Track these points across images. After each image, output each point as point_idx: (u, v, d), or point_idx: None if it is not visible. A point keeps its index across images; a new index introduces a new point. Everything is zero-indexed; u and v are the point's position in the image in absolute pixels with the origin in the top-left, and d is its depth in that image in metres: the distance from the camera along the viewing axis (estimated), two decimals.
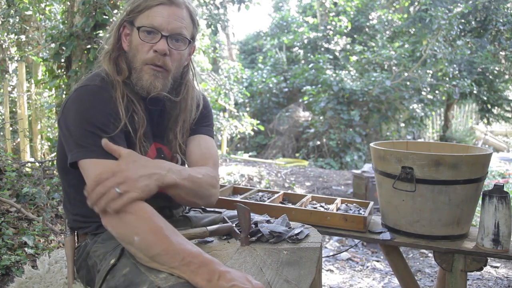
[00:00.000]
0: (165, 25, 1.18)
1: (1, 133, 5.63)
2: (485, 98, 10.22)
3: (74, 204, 1.25)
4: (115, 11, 4.01)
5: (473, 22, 9.85)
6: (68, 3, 4.16)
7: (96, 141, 1.08)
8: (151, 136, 1.26)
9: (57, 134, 4.44)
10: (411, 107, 9.32)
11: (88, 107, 1.11)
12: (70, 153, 1.09)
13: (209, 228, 1.23)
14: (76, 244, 1.30)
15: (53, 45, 4.17)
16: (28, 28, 5.75)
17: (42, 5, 4.98)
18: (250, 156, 9.20)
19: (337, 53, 10.85)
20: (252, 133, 7.98)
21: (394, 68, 9.25)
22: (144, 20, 1.18)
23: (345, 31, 10.96)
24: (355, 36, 11.06)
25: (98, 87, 1.15)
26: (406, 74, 9.03)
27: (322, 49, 11.24)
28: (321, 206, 1.91)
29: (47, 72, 4.32)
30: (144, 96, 1.23)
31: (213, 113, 1.44)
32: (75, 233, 1.31)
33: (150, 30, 1.18)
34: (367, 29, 11.20)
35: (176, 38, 1.21)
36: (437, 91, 9.58)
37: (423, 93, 9.27)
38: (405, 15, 10.68)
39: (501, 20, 9.40)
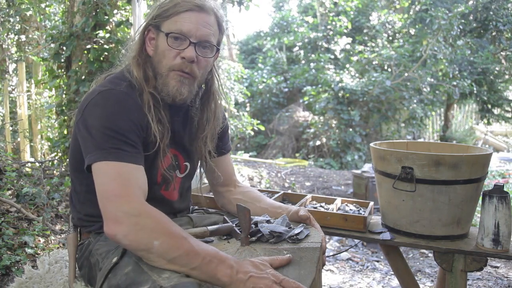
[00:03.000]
0: (194, 32, 1.17)
1: (1, 133, 5.63)
2: (485, 98, 10.22)
3: (83, 202, 1.24)
4: (115, 11, 4.01)
5: (473, 23, 9.85)
6: (68, 2, 4.16)
7: (114, 144, 1.06)
8: (169, 142, 1.26)
9: (57, 134, 4.45)
10: (411, 107, 9.33)
11: (111, 113, 1.09)
12: (88, 155, 1.08)
13: (210, 228, 1.23)
14: (79, 241, 1.30)
15: (53, 45, 4.17)
16: (28, 28, 5.76)
17: (43, 5, 4.99)
18: (250, 156, 9.19)
19: (337, 53, 10.86)
20: (252, 133, 7.97)
21: (394, 68, 9.26)
22: (172, 25, 1.17)
23: (345, 31, 10.96)
24: (355, 36, 11.07)
25: (123, 93, 1.13)
26: (406, 74, 9.03)
27: (322, 49, 11.25)
28: (321, 206, 1.91)
29: (47, 72, 4.32)
30: (169, 102, 1.22)
31: None
32: (78, 231, 1.31)
33: (178, 36, 1.16)
34: (367, 30, 11.20)
35: (204, 45, 1.20)
36: (437, 91, 9.59)
37: (423, 93, 9.28)
38: (405, 15, 10.69)
39: (501, 20, 9.41)
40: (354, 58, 10.02)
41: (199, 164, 1.44)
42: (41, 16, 5.32)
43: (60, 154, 4.20)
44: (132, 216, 0.98)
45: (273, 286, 0.91)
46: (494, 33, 9.85)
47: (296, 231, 1.23)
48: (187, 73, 1.19)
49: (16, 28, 5.68)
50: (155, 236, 0.96)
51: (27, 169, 3.93)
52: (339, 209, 1.91)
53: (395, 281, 2.95)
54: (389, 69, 9.54)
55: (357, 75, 9.68)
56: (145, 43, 1.23)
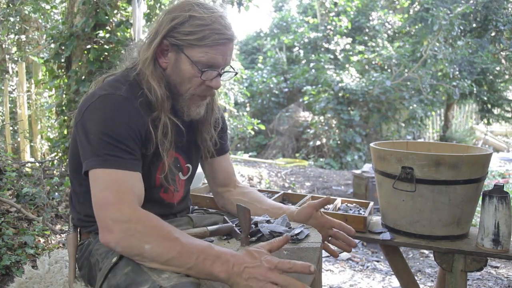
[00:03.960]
0: (223, 63, 1.19)
1: (1, 133, 5.63)
2: (485, 98, 10.22)
3: (83, 203, 1.24)
4: (115, 11, 4.01)
5: (473, 23, 9.85)
6: (66, 3, 4.16)
7: (111, 151, 1.06)
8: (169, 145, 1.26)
9: (57, 134, 4.45)
10: (411, 107, 9.32)
11: (109, 119, 1.08)
12: (85, 161, 1.08)
13: (210, 228, 1.23)
14: (78, 241, 1.30)
15: (53, 45, 4.17)
16: (28, 28, 5.76)
17: (48, 7, 4.99)
18: (250, 156, 9.20)
19: (337, 53, 10.86)
20: (253, 132, 7.97)
21: (394, 68, 9.26)
22: (201, 56, 1.16)
23: (345, 31, 10.97)
24: (355, 36, 11.07)
25: (123, 98, 1.12)
26: (406, 74, 9.03)
27: (322, 49, 11.25)
28: None
29: (47, 72, 4.32)
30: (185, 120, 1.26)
31: None
32: (78, 231, 1.31)
33: (210, 70, 1.18)
34: (367, 30, 11.20)
35: (227, 71, 1.25)
36: (437, 92, 9.59)
37: (423, 93, 9.29)
38: (406, 15, 10.69)
39: (501, 20, 9.40)
40: (354, 58, 10.01)
41: (199, 164, 1.44)
42: (43, 17, 5.32)
43: (60, 154, 4.20)
44: (122, 222, 0.98)
45: (267, 273, 0.91)
46: (494, 33, 9.85)
47: (296, 231, 1.23)
48: (209, 95, 1.25)
49: (16, 28, 5.68)
50: (146, 240, 0.96)
51: (27, 169, 3.93)
52: (339, 209, 1.91)
53: (395, 281, 2.95)
54: (389, 69, 9.54)
55: (357, 75, 9.68)
56: (157, 54, 1.21)
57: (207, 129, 1.36)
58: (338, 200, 1.97)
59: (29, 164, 4.10)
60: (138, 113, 1.14)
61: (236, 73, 1.31)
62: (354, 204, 1.97)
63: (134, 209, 1.02)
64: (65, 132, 4.16)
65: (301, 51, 11.80)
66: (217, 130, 1.42)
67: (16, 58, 6.06)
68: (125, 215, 0.99)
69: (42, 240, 2.71)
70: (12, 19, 5.30)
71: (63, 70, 4.18)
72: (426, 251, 3.66)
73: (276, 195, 1.96)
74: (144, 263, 0.98)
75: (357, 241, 1.81)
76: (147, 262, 0.97)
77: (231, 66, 1.27)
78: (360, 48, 10.10)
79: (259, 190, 2.09)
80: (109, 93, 1.12)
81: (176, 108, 1.24)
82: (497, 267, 3.17)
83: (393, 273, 2.23)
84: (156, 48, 1.19)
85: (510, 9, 9.62)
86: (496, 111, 10.76)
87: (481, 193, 1.60)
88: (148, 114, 1.16)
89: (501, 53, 10.05)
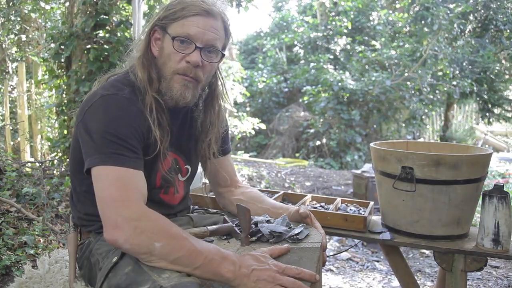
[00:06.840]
0: (200, 36, 1.16)
1: (1, 133, 5.63)
2: (485, 97, 10.21)
3: (83, 202, 1.24)
4: (115, 11, 4.01)
5: (473, 23, 9.85)
6: (68, 3, 4.17)
7: (114, 149, 1.06)
8: (169, 145, 1.25)
9: (57, 134, 4.45)
10: (411, 107, 9.32)
11: (113, 118, 1.08)
12: (88, 158, 1.07)
13: (210, 228, 1.23)
14: (79, 241, 1.30)
15: (53, 45, 4.17)
16: (28, 28, 5.76)
17: (48, 7, 4.99)
18: (250, 156, 9.19)
19: (337, 53, 10.85)
20: (253, 132, 7.96)
21: (394, 67, 9.26)
22: (178, 29, 1.16)
23: (345, 31, 10.96)
24: (355, 36, 11.06)
25: (126, 100, 1.12)
26: (406, 74, 9.02)
27: (323, 49, 11.25)
28: (321, 206, 1.91)
29: (47, 72, 4.33)
30: (172, 106, 1.22)
31: None
32: (78, 230, 1.31)
33: (184, 40, 1.16)
34: (367, 30, 11.19)
35: (209, 50, 1.20)
36: (437, 91, 9.59)
37: (423, 93, 9.28)
38: (406, 15, 10.68)
39: (501, 20, 9.40)
40: (354, 58, 10.01)
41: (199, 165, 1.43)
42: (43, 17, 5.32)
43: (60, 154, 4.20)
44: (132, 220, 0.98)
45: (276, 275, 0.94)
46: (494, 33, 9.85)
47: (296, 231, 1.23)
48: (191, 77, 1.19)
49: (16, 28, 5.68)
50: (156, 238, 0.96)
51: (27, 169, 3.93)
52: (339, 209, 1.91)
53: (395, 281, 2.95)
54: (389, 69, 9.54)
55: (357, 75, 9.68)
56: (150, 43, 1.22)
57: (203, 138, 1.34)
58: (338, 200, 1.97)
59: (29, 164, 4.10)
60: (141, 114, 1.14)
61: (224, 55, 1.26)
62: (354, 204, 1.97)
63: (141, 207, 1.02)
64: (65, 132, 4.16)
65: (301, 51, 11.80)
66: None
67: (16, 58, 6.06)
68: (134, 212, 0.99)
69: (42, 240, 2.71)
70: (12, 18, 5.30)
71: (63, 70, 4.18)
72: (426, 251, 3.66)
73: (276, 195, 1.96)
74: (150, 261, 0.97)
75: (357, 241, 1.81)
76: (154, 260, 0.97)
77: (220, 51, 1.23)
78: (360, 48, 10.09)
79: (259, 190, 2.09)
80: (112, 94, 1.12)
81: (163, 93, 1.21)
82: (497, 267, 3.17)
83: (393, 273, 2.23)
84: (147, 36, 1.21)
85: (510, 8, 9.61)
86: (496, 110, 10.76)
87: (481, 193, 1.60)
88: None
89: (501, 52, 10.05)
